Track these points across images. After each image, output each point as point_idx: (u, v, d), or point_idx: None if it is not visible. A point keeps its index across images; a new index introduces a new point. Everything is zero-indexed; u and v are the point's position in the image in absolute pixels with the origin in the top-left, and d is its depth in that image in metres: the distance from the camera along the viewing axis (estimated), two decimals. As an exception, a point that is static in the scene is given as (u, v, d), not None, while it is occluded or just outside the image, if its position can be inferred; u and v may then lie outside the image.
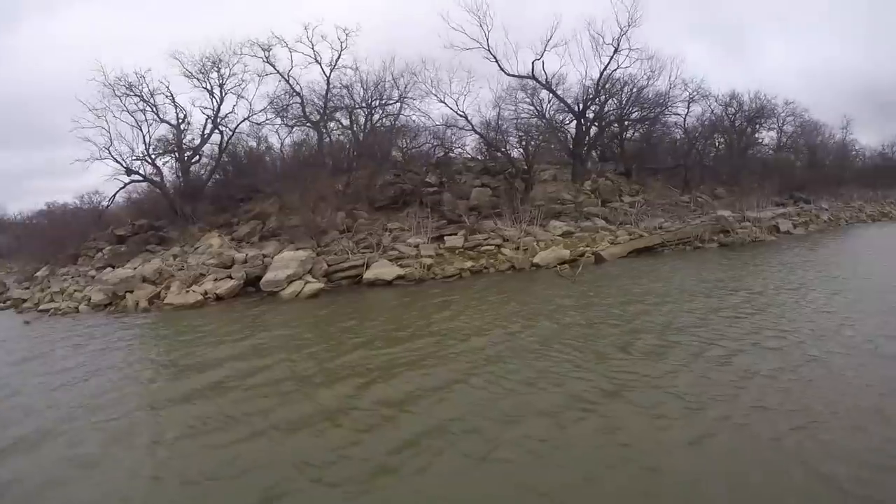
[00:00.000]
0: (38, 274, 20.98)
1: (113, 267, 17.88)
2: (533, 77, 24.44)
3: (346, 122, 23.22)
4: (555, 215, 22.06)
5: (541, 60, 24.04)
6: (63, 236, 21.74)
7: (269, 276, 14.78)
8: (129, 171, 19.76)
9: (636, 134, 31.62)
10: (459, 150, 23.72)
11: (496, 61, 23.85)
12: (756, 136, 35.76)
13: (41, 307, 17.61)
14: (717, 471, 4.27)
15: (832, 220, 29.22)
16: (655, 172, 30.38)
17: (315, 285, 14.60)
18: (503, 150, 22.53)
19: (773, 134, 37.43)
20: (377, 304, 13.29)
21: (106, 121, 19.37)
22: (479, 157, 24.17)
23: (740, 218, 24.30)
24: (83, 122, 19.38)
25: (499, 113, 23.00)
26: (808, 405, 5.24)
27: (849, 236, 24.41)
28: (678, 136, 33.42)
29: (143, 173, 19.99)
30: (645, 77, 26.57)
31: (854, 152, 45.06)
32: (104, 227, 21.59)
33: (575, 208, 23.37)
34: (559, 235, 20.49)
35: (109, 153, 19.25)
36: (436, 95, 21.75)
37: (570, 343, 8.09)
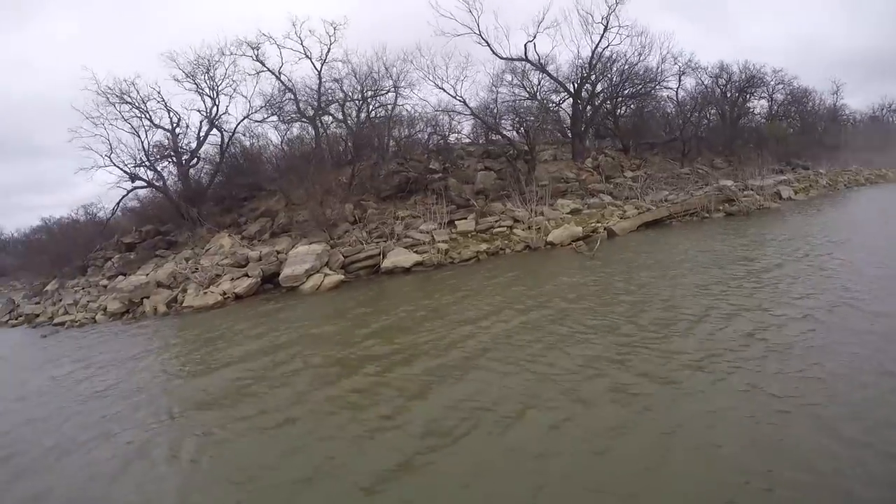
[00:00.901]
0: (48, 288, 20.74)
1: (124, 275, 17.71)
2: (526, 59, 24.34)
3: (340, 115, 23.09)
4: (560, 194, 22.10)
5: (532, 42, 23.98)
6: (68, 249, 21.48)
7: (287, 271, 14.68)
8: (133, 178, 19.49)
9: (628, 110, 31.67)
10: (456, 135, 23.64)
11: (488, 45, 23.72)
12: (748, 105, 35.93)
13: (56, 320, 17.42)
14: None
15: (831, 185, 29.53)
16: (652, 147, 30.46)
17: (335, 277, 14.55)
18: (502, 132, 22.44)
19: (763, 102, 37.62)
20: (400, 291, 13.24)
21: (105, 128, 19.09)
22: (478, 142, 24.09)
23: (742, 187, 24.53)
24: (81, 131, 19.06)
25: (496, 97, 22.90)
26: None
27: (849, 199, 24.60)
28: (669, 110, 33.80)
29: (146, 179, 19.71)
30: (636, 54, 26.63)
31: (845, 116, 45.37)
32: (109, 237, 21.34)
33: (579, 186, 23.44)
34: (567, 213, 20.53)
35: (111, 161, 18.99)
36: (433, 81, 21.63)
37: (603, 318, 8.10)
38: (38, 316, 19.12)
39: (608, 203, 22.24)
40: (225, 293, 14.65)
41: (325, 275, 14.70)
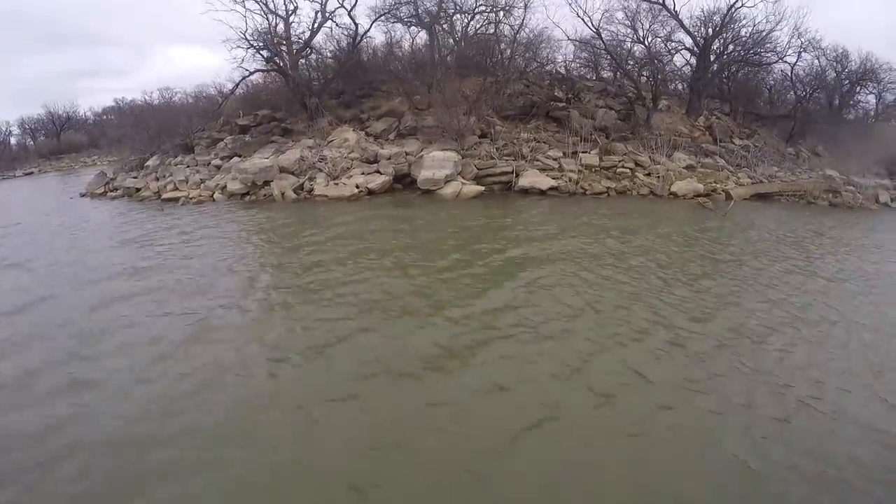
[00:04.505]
0: (149, 164, 20.60)
1: (239, 156, 17.40)
2: (662, 4, 22.72)
3: (460, 24, 22.14)
4: (674, 147, 21.25)
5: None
6: (168, 127, 21.16)
7: (425, 174, 14.27)
8: (268, 60, 18.81)
9: (740, 76, 29.84)
10: (567, 64, 22.59)
11: (624, -18, 22.12)
12: (856, 97, 33.60)
13: (165, 196, 17.33)
14: None
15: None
16: (759, 118, 28.95)
17: (474, 187, 14.23)
18: (631, 74, 21.28)
19: (871, 98, 35.01)
20: (543, 208, 12.90)
21: (244, 5, 18.29)
22: (591, 77, 23.03)
23: (846, 181, 23.41)
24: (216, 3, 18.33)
25: (634, 36, 21.43)
26: None
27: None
28: (772, 83, 31.86)
29: (278, 62, 18.95)
30: (766, 21, 24.92)
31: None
32: (213, 118, 20.94)
33: (692, 142, 22.46)
34: (683, 168, 19.86)
35: (246, 38, 18.29)
36: (575, 11, 20.52)
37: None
38: (139, 190, 19.07)
39: (722, 166, 21.43)
40: (358, 186, 14.31)
41: (463, 183, 14.25)
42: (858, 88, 33.02)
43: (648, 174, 18.11)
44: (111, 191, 20.52)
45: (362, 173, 14.91)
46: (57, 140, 44.40)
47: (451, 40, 22.81)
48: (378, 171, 14.92)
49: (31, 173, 39.62)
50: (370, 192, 14.35)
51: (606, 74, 24.16)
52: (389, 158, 15.37)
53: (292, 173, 15.61)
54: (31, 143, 47.60)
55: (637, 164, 18.42)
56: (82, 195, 21.06)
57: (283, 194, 14.78)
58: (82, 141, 43.99)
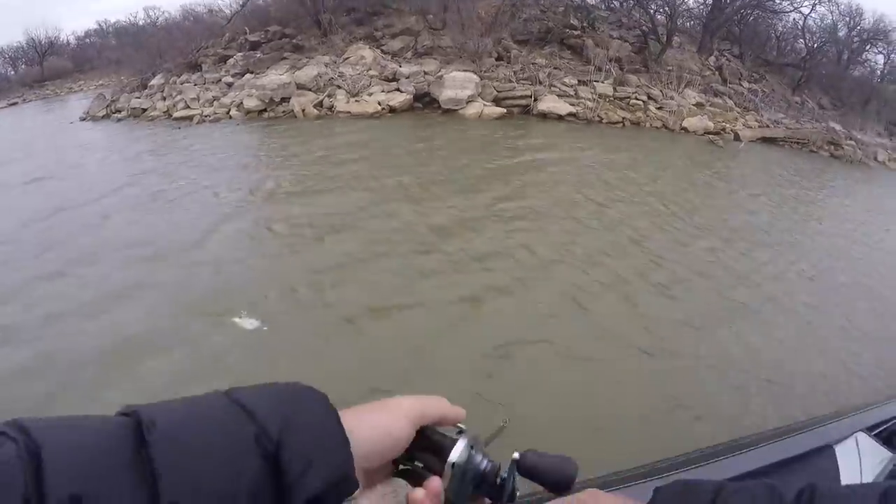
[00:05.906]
0: (153, 83, 20.02)
1: (252, 73, 17.05)
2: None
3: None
4: (686, 84, 21.30)
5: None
6: (170, 45, 20.46)
7: (448, 93, 14.30)
8: None
9: (752, 19, 29.53)
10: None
11: None
12: (864, 55, 33.55)
13: (176, 115, 16.97)
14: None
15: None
16: (768, 64, 28.89)
17: (496, 109, 14.29)
18: (647, 8, 21.01)
19: (879, 58, 34.92)
20: (572, 133, 13.12)
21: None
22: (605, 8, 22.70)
23: (847, 135, 23.73)
24: None
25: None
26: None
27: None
28: (784, 31, 31.64)
29: None
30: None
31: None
32: (220, 35, 20.28)
33: (702, 81, 22.49)
34: (693, 105, 20.01)
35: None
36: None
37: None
38: (145, 110, 18.62)
39: (731, 107, 21.60)
40: (380, 104, 14.27)
41: (485, 104, 14.30)
42: (868, 47, 33.06)
43: (660, 108, 18.30)
44: (114, 112, 19.97)
45: (382, 91, 14.83)
46: (40, 67, 42.40)
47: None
48: (398, 90, 14.85)
49: (15, 103, 37.96)
50: (392, 110, 14.35)
51: (616, 4, 23.75)
52: (409, 77, 15.25)
53: (310, 90, 15.43)
54: (13, 72, 45.43)
55: (650, 98, 18.55)
56: (83, 119, 20.43)
57: (303, 110, 14.68)
58: (67, 66, 42.06)
